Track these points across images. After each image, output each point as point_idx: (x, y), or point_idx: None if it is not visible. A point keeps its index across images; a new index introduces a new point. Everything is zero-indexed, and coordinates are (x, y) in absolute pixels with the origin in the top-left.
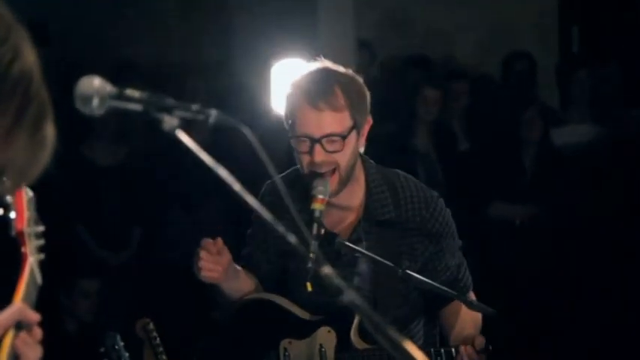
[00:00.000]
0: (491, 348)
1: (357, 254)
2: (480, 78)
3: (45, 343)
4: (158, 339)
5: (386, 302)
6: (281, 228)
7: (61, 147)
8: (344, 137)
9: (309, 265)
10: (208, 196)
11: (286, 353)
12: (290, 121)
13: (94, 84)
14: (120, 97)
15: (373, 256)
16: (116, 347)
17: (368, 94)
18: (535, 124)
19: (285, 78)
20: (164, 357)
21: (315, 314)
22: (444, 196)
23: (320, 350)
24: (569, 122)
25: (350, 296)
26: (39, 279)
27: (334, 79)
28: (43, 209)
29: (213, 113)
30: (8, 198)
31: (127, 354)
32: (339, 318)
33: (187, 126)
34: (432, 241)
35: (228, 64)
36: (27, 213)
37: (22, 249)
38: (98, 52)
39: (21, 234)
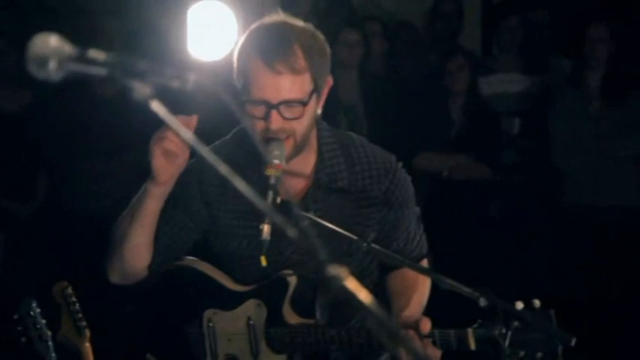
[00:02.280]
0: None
1: (315, 226)
2: (402, 22)
3: None
4: (77, 304)
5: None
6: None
7: None
8: (304, 103)
9: (264, 237)
10: (122, 146)
11: (210, 324)
12: (242, 82)
13: (50, 43)
14: (81, 59)
15: (336, 228)
16: (32, 314)
17: (329, 51)
18: (461, 75)
19: (202, 21)
20: (84, 323)
21: (244, 285)
22: None
23: (248, 323)
24: (496, 71)
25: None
26: None
27: (294, 36)
28: None
29: (191, 78)
30: None
31: (43, 321)
32: (270, 291)
33: None
34: (389, 211)
35: (142, 6)
36: None
37: None
38: None
39: None
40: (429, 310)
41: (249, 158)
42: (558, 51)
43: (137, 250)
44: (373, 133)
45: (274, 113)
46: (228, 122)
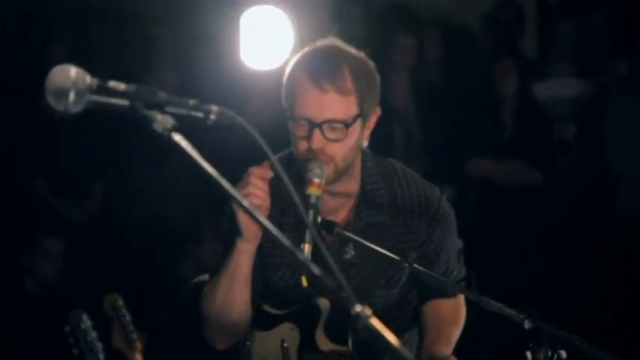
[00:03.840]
0: None
1: (352, 246)
2: (458, 27)
3: (6, 305)
4: (127, 316)
5: (371, 294)
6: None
7: (17, 100)
8: (347, 125)
9: (304, 257)
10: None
11: (247, 342)
12: (289, 102)
13: (70, 75)
14: (101, 90)
15: (378, 248)
16: (82, 326)
17: (379, 80)
18: (509, 78)
19: (255, 27)
20: (135, 335)
21: (282, 309)
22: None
23: (282, 346)
24: (551, 75)
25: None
26: None
27: (343, 59)
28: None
29: (214, 110)
30: None
31: (94, 333)
32: (305, 315)
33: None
34: (429, 247)
35: (195, 12)
36: None
37: None
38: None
39: None
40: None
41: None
42: (615, 53)
43: (243, 309)
44: (425, 140)
45: (317, 132)
46: (253, 153)
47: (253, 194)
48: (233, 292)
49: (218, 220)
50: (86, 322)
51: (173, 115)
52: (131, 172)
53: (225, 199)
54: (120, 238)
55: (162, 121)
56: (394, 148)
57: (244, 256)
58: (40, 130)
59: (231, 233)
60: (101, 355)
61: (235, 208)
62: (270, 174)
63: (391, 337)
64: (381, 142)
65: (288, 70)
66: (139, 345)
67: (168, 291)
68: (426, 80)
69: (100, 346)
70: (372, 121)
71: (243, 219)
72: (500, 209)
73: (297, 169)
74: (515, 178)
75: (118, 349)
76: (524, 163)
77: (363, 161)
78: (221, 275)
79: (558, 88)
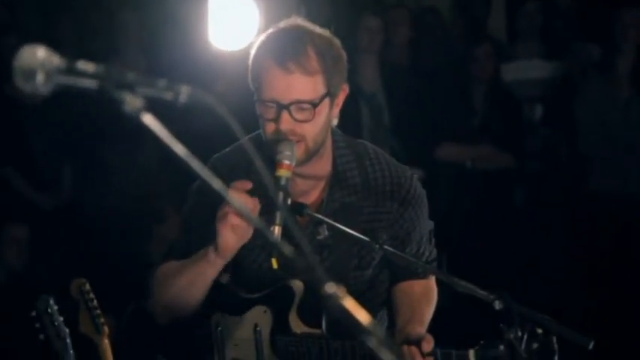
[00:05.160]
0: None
1: (326, 227)
2: (426, 9)
3: None
4: (95, 300)
5: (344, 275)
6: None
7: None
8: (315, 105)
9: (275, 238)
10: (144, 135)
11: (218, 328)
12: (256, 85)
13: (37, 55)
14: (70, 71)
15: (349, 230)
16: (49, 311)
17: (345, 58)
18: (487, 62)
19: (222, 8)
20: (101, 320)
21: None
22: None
23: (255, 329)
24: (519, 57)
25: (331, 289)
26: None
27: (308, 38)
28: None
29: (185, 91)
30: None
31: (61, 318)
32: (278, 299)
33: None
34: (401, 227)
35: None
36: None
37: None
38: None
39: None
40: (433, 329)
41: (250, 168)
42: (583, 36)
43: (190, 306)
44: (395, 123)
45: (284, 114)
46: (224, 134)
47: (234, 214)
48: (189, 292)
49: (182, 197)
50: (53, 306)
51: (143, 96)
52: (100, 156)
53: (192, 178)
54: (87, 223)
55: (132, 101)
56: (362, 131)
57: (212, 268)
58: (6, 115)
59: (195, 214)
60: (68, 340)
61: (218, 227)
62: (248, 185)
63: (364, 317)
64: (348, 125)
65: (252, 52)
66: (106, 329)
67: (135, 276)
68: (394, 63)
69: (66, 330)
70: (341, 98)
71: (224, 238)
72: (471, 192)
73: (265, 151)
74: (488, 162)
75: (85, 333)
76: (496, 147)
77: (335, 142)
78: (182, 272)
79: (526, 70)
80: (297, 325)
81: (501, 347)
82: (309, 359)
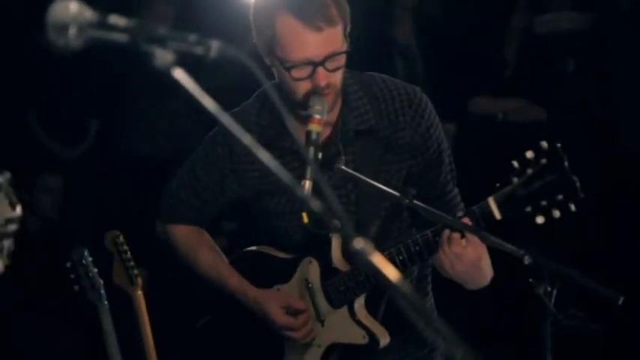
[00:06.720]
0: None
1: (354, 179)
2: None
3: None
4: (129, 252)
5: (369, 222)
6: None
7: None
8: (345, 52)
9: (305, 193)
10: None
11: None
12: (278, 50)
13: (70, 9)
14: (102, 25)
15: (376, 184)
16: (84, 262)
17: None
18: (526, 12)
19: None
20: (135, 271)
21: (294, 250)
22: (426, 90)
23: (307, 286)
24: (549, 9)
25: (359, 245)
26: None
27: None
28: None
29: (215, 45)
30: None
31: (95, 269)
32: (318, 245)
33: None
34: (421, 143)
35: None
36: None
37: None
38: None
39: None
40: None
41: (275, 120)
42: None
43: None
44: (428, 75)
45: (320, 70)
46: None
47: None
48: (202, 273)
49: None
50: (87, 258)
51: (173, 50)
52: (128, 109)
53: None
54: (120, 176)
55: (162, 56)
56: None
57: (235, 294)
58: (34, 68)
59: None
60: (102, 291)
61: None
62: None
63: (392, 273)
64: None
65: (259, 8)
66: (139, 281)
67: None
68: (428, 14)
69: (100, 282)
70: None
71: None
72: (502, 145)
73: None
74: (519, 115)
75: (119, 285)
76: (528, 100)
77: (343, 78)
78: (207, 268)
79: (556, 22)
80: (342, 265)
81: (515, 180)
82: (359, 291)
